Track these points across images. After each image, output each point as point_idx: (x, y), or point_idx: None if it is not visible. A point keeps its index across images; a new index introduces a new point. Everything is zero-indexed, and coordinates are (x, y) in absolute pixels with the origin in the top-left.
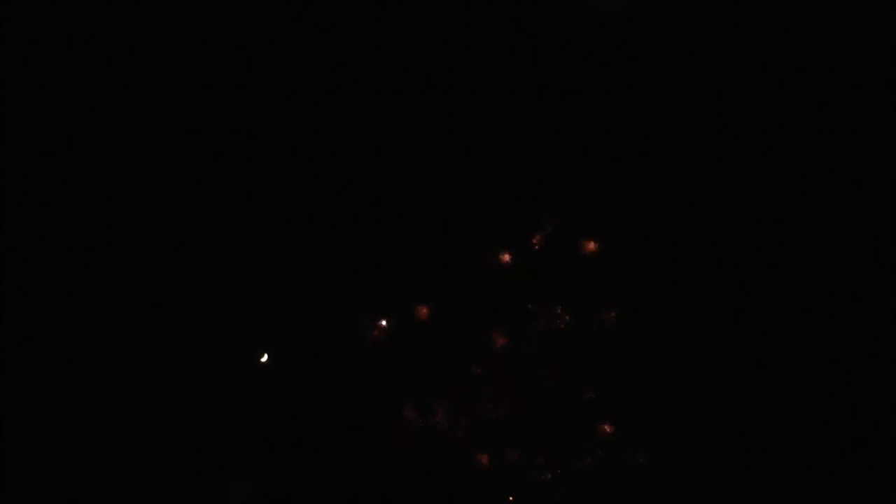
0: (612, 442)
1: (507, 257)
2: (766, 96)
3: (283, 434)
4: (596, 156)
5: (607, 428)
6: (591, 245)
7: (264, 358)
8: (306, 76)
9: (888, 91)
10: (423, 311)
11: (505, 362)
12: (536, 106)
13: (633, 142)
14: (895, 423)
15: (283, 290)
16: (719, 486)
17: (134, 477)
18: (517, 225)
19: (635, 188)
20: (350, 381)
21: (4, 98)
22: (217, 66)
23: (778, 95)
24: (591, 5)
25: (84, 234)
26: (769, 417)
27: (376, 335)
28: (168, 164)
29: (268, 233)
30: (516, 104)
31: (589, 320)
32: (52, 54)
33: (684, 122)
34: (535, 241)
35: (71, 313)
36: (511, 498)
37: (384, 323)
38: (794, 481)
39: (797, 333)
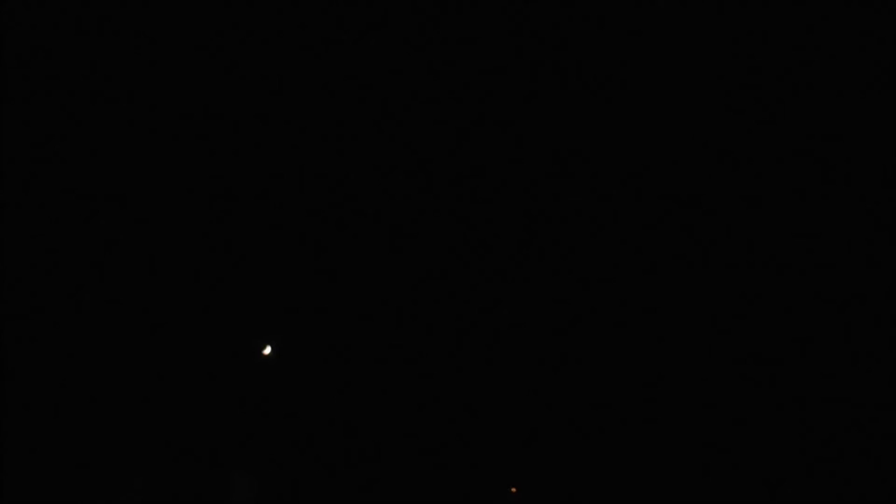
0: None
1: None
2: (767, 96)
3: (283, 434)
4: (594, 155)
5: (606, 425)
6: (590, 245)
7: (266, 350)
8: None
9: (888, 91)
10: (422, 310)
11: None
12: (534, 106)
13: (633, 141)
14: (894, 423)
15: (281, 290)
16: (718, 486)
17: (134, 477)
18: (516, 225)
19: (635, 188)
20: (349, 381)
21: (4, 98)
22: (216, 65)
23: (778, 95)
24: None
25: (83, 234)
26: (769, 417)
27: (374, 335)
28: (167, 164)
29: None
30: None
31: (588, 319)
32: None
33: (684, 122)
34: (533, 241)
35: (71, 313)
36: (513, 490)
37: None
38: (793, 481)
39: (797, 333)
